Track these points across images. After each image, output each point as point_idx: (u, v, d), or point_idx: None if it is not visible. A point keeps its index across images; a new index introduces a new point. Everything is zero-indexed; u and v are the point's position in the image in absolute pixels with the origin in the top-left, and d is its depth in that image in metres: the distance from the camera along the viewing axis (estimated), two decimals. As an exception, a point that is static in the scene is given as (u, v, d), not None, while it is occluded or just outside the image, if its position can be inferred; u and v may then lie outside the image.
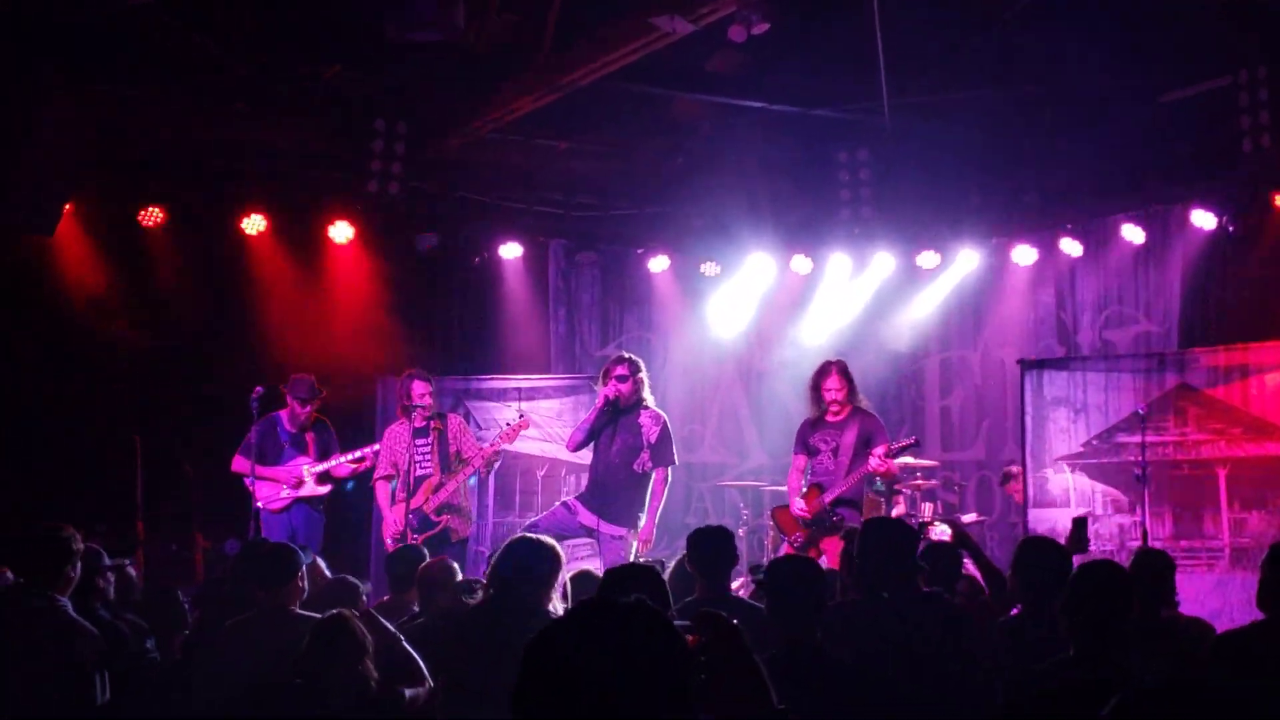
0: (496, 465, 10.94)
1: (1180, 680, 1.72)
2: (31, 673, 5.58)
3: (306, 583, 6.25)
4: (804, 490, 10.01)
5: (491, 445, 10.47)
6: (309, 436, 11.08)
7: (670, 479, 9.90)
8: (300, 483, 10.91)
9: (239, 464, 10.86)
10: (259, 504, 10.69)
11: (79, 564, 5.91)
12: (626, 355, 9.89)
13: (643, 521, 9.56)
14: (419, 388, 10.50)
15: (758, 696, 2.39)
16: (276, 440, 11.01)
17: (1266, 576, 5.37)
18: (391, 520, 10.22)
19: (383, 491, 10.52)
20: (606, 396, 9.60)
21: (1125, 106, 11.82)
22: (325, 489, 11.05)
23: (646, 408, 9.79)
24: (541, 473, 12.27)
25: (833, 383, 10.01)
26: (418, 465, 10.38)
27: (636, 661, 2.09)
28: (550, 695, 2.09)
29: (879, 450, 9.87)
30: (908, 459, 11.93)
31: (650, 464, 9.65)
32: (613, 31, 10.07)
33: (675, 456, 9.91)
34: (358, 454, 11.01)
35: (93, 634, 5.74)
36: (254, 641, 5.73)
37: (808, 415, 10.25)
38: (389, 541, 10.01)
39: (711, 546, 6.19)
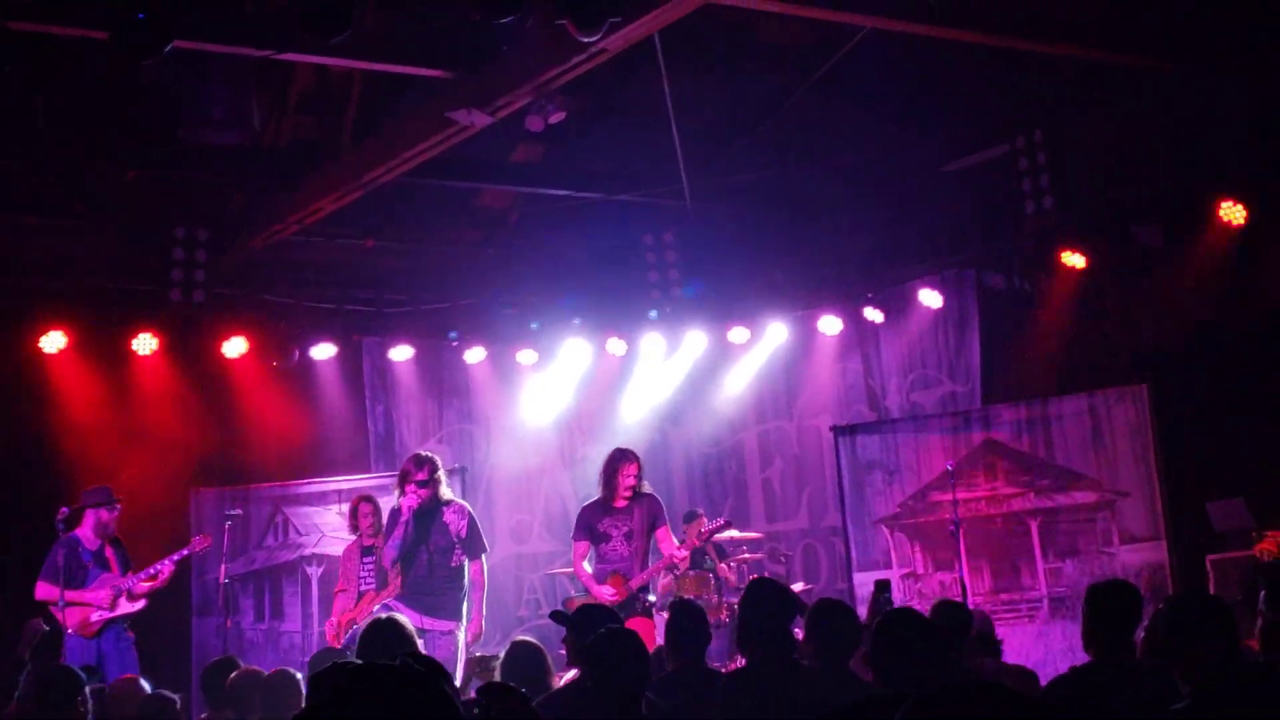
0: None
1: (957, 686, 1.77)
2: None
3: (89, 707, 6.01)
4: (605, 577, 10.02)
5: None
6: (109, 553, 10.69)
7: (486, 567, 9.89)
8: (115, 602, 10.51)
9: (44, 591, 10.33)
10: (69, 630, 10.30)
11: None
12: (425, 456, 9.85)
13: (469, 616, 9.50)
14: (365, 508, 10.93)
15: None
16: (80, 561, 10.56)
17: (1087, 618, 5.53)
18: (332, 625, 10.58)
19: (339, 604, 10.70)
20: (411, 508, 9.53)
21: (912, 177, 12.26)
22: (139, 605, 10.67)
23: (449, 503, 9.77)
24: (337, 585, 12.07)
25: (632, 470, 10.07)
26: (362, 581, 10.65)
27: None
28: None
29: (686, 544, 10.08)
30: (733, 532, 12.10)
31: (464, 558, 9.63)
32: (411, 127, 10.10)
33: (486, 544, 9.94)
34: (155, 569, 10.69)
35: None
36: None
37: (593, 500, 10.27)
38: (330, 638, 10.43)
39: (682, 621, 6.22)
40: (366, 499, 11.08)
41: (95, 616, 10.37)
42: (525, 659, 6.44)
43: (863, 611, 11.82)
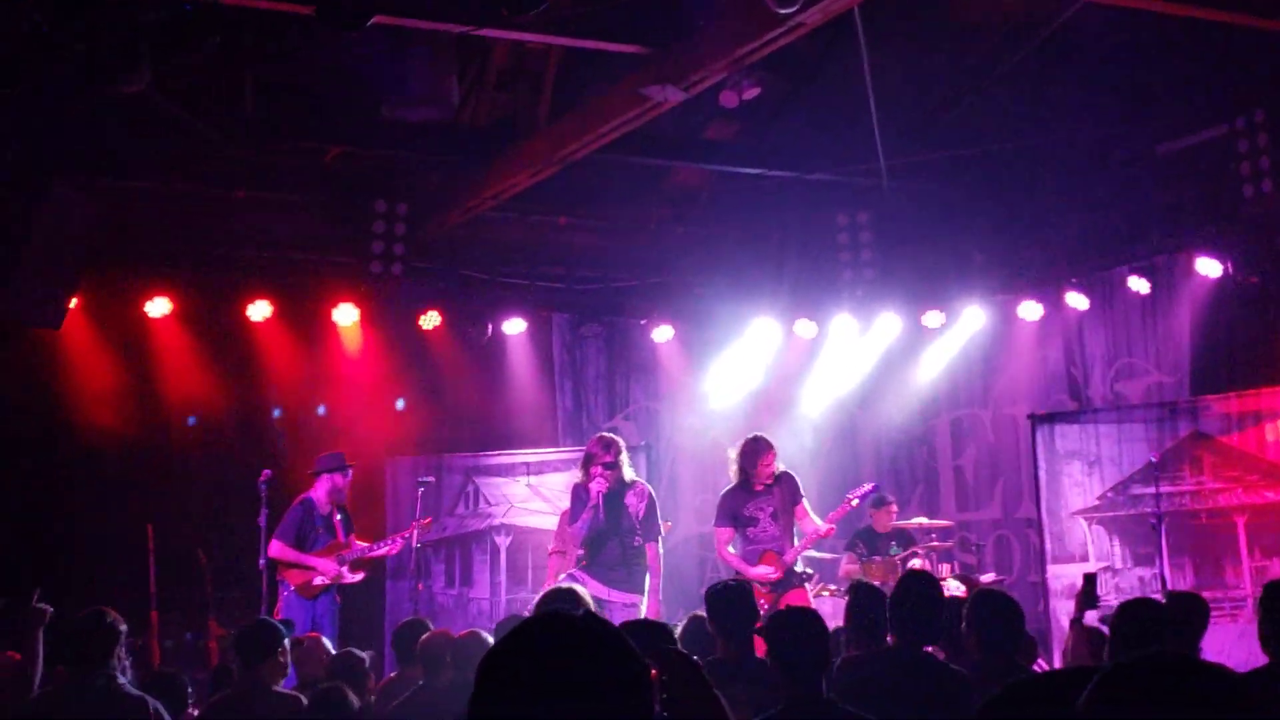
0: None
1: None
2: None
3: (289, 658, 6.20)
4: (759, 556, 10.01)
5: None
6: (336, 520, 11.03)
7: (662, 550, 10.08)
8: (339, 576, 10.82)
9: (277, 549, 10.71)
10: (291, 588, 10.67)
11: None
12: (610, 438, 9.98)
13: (647, 598, 9.63)
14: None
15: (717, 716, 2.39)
16: (312, 524, 10.94)
17: (1263, 619, 5.29)
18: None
19: (554, 565, 10.79)
20: (600, 492, 9.66)
21: (1123, 158, 11.82)
22: (360, 576, 11.00)
23: (632, 484, 9.89)
24: (552, 547, 12.22)
25: (770, 458, 10.11)
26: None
27: (593, 667, 2.06)
28: (506, 705, 2.05)
29: (828, 523, 10.04)
30: (921, 519, 11.91)
31: (641, 540, 9.71)
32: (606, 103, 10.10)
33: (661, 527, 10.09)
34: (382, 547, 11.02)
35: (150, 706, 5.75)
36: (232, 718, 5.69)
37: (731, 486, 10.25)
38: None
39: (729, 604, 6.10)
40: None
41: (318, 581, 10.70)
42: (703, 633, 6.41)
43: (1057, 605, 11.55)
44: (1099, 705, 1.61)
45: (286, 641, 6.36)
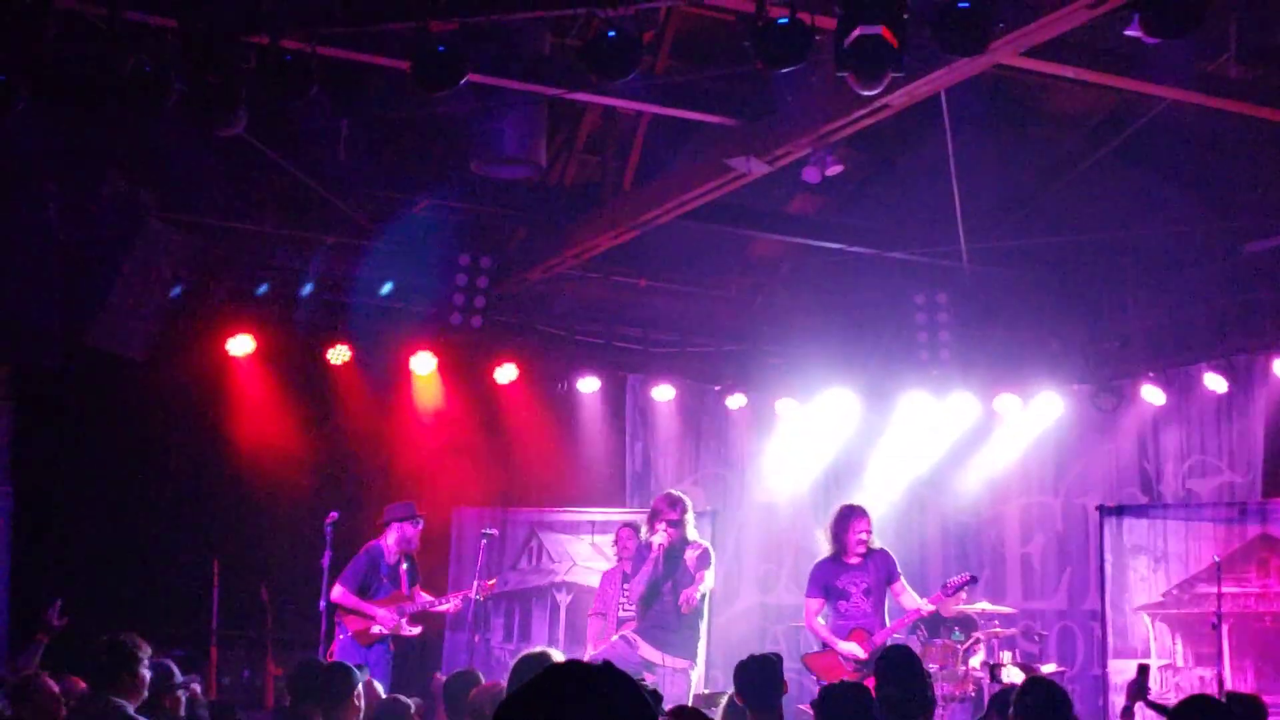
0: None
1: None
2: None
3: (362, 702, 6.28)
4: (849, 633, 9.95)
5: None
6: (402, 570, 11.11)
7: (711, 578, 10.24)
8: (398, 627, 10.91)
9: (340, 594, 10.80)
10: (349, 633, 10.76)
11: (144, 671, 6.05)
12: (677, 496, 10.02)
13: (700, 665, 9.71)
14: (626, 534, 11.23)
15: None
16: (378, 573, 11.02)
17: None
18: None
19: (594, 627, 10.99)
20: (663, 546, 9.70)
21: (1207, 255, 11.76)
22: (418, 630, 11.07)
23: (693, 543, 9.93)
24: (592, 608, 12.26)
25: (863, 526, 10.05)
26: (621, 607, 10.80)
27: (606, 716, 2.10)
28: None
29: (933, 599, 9.89)
30: (984, 605, 11.80)
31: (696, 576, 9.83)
32: (690, 171, 10.25)
33: (711, 576, 10.24)
34: (443, 603, 11.12)
35: None
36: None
37: (825, 557, 10.21)
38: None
39: (757, 674, 6.12)
40: (629, 525, 11.22)
41: (375, 630, 10.78)
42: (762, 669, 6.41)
43: (1116, 700, 11.38)
44: None
45: (360, 685, 6.45)
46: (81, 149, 10.40)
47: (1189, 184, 11.21)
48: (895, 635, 9.97)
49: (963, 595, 11.72)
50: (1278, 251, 11.46)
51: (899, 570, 10.10)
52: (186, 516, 12.21)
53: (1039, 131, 11.11)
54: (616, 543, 11.25)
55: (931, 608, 10.05)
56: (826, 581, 10.10)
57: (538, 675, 2.20)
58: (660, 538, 9.78)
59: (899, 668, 6.06)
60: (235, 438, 12.59)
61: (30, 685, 6.74)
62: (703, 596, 10.10)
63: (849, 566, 10.03)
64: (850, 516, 10.11)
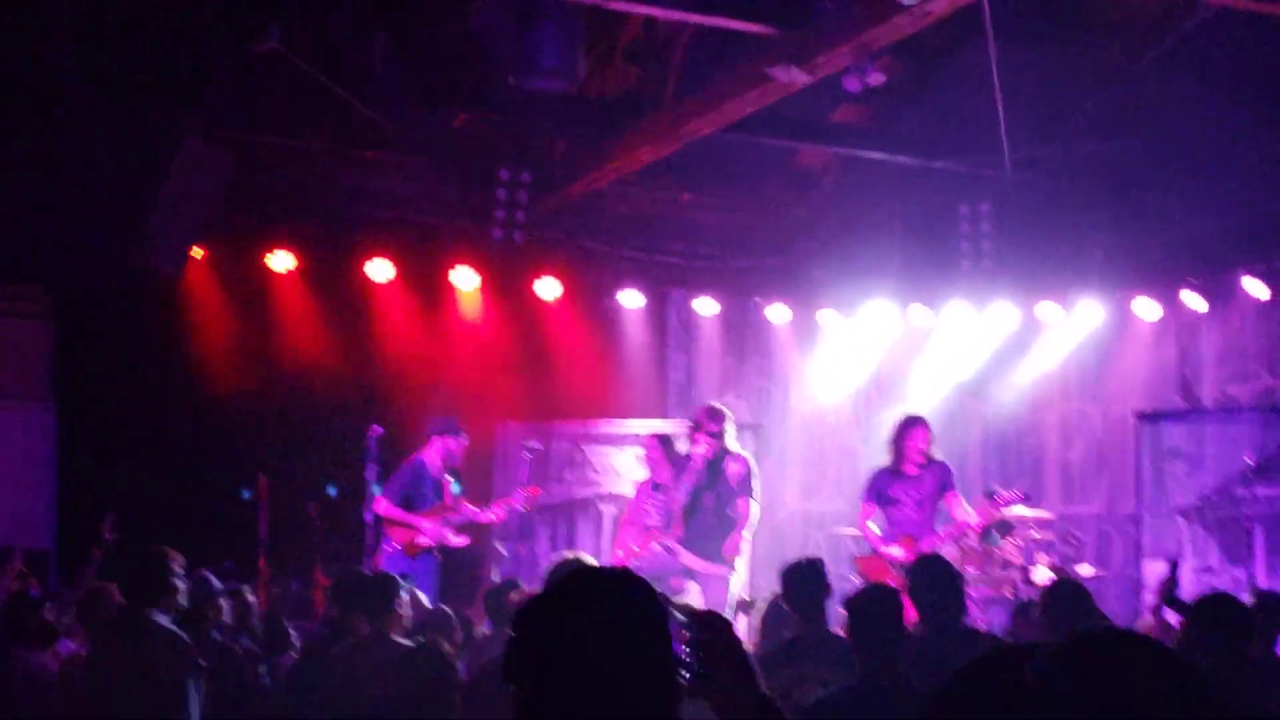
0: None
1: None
2: (120, 682, 5.77)
3: (406, 610, 6.40)
4: (897, 539, 10.04)
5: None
6: (445, 482, 11.25)
7: (755, 511, 10.13)
8: (443, 538, 11.06)
9: (383, 506, 10.95)
10: (396, 545, 10.93)
11: (177, 582, 6.13)
12: (718, 408, 10.08)
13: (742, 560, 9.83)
14: (654, 445, 11.14)
15: (751, 685, 2.50)
16: (421, 486, 11.18)
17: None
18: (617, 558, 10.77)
19: (622, 536, 11.06)
20: (706, 458, 9.77)
21: (1249, 160, 11.64)
22: (465, 540, 11.22)
23: (734, 454, 9.99)
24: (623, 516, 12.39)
25: (921, 436, 10.10)
26: (647, 515, 10.84)
27: (626, 623, 2.19)
28: (539, 660, 2.19)
29: (979, 518, 9.95)
30: (1022, 510, 11.86)
31: (740, 505, 9.86)
32: (731, 82, 10.20)
33: (756, 492, 10.17)
34: (489, 513, 11.26)
35: (184, 644, 5.90)
36: (354, 669, 5.88)
37: (884, 466, 10.27)
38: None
39: (802, 580, 6.19)
40: (657, 436, 11.28)
41: (421, 540, 10.95)
42: (783, 612, 6.52)
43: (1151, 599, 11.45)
44: (1058, 677, 1.67)
45: (404, 594, 6.57)
46: (120, 71, 10.45)
47: (1233, 90, 11.07)
48: (942, 545, 10.07)
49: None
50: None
51: (954, 483, 10.16)
52: (232, 433, 12.36)
53: (1083, 38, 10.98)
54: (645, 454, 11.34)
55: (980, 523, 10.13)
56: (881, 489, 10.22)
57: (558, 579, 2.30)
58: (701, 449, 9.87)
59: (931, 573, 6.14)
60: (278, 355, 12.73)
61: (99, 598, 6.88)
62: (746, 538, 10.17)
63: (905, 476, 10.13)
64: (910, 427, 10.19)
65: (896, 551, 9.93)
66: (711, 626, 2.50)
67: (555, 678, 2.16)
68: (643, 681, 2.18)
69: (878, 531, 10.20)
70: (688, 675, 2.43)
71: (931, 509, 10.06)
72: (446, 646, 5.80)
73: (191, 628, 6.29)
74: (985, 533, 11.40)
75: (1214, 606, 4.93)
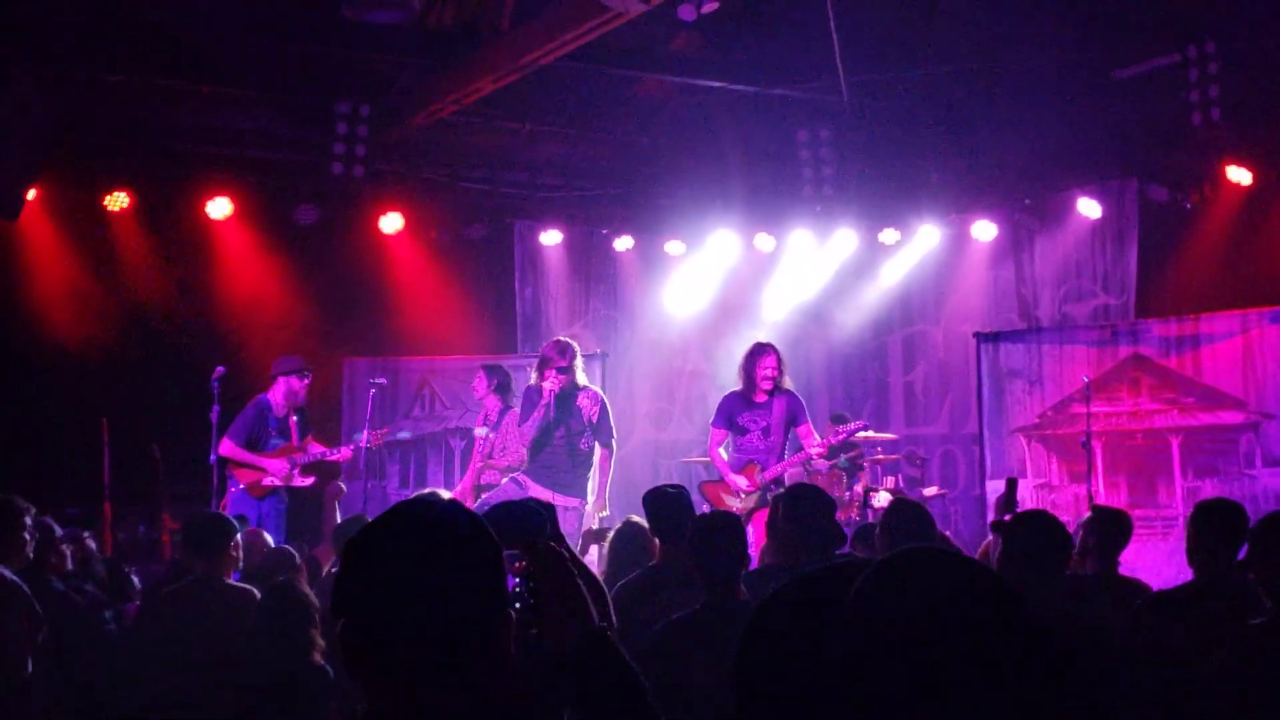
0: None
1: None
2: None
3: (241, 553, 6.34)
4: (742, 466, 10.18)
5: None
6: (292, 421, 11.13)
7: (614, 453, 10.18)
8: (289, 477, 10.95)
9: (227, 448, 10.81)
10: (241, 486, 10.81)
11: (24, 535, 5.99)
12: (566, 342, 10.08)
13: (593, 496, 9.83)
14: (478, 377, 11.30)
15: (581, 615, 2.52)
16: (265, 425, 11.03)
17: (1190, 535, 5.53)
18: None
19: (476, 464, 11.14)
20: (552, 392, 9.77)
21: (1078, 83, 11.95)
22: (310, 480, 11.12)
23: (584, 388, 10.02)
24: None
25: (769, 364, 10.14)
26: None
27: (450, 552, 2.19)
28: (357, 583, 2.20)
29: (822, 442, 10.12)
30: (869, 433, 12.11)
31: (594, 442, 9.91)
32: (567, 11, 10.14)
33: (614, 431, 10.19)
34: (334, 453, 11.19)
35: (23, 595, 5.76)
36: (184, 610, 5.83)
37: (734, 391, 10.38)
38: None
39: (670, 507, 6.11)
40: (485, 368, 11.42)
41: (267, 481, 10.83)
42: (634, 535, 6.58)
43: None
44: (868, 594, 1.72)
45: (239, 536, 6.50)
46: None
47: (1060, 13, 11.34)
48: (788, 471, 10.22)
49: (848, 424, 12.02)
50: (1145, 78, 11.67)
51: (805, 415, 10.26)
52: (71, 378, 12.06)
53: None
54: (474, 386, 11.37)
55: (822, 450, 10.28)
56: (731, 414, 10.29)
57: (391, 509, 2.30)
58: (549, 384, 9.88)
59: (794, 501, 6.08)
60: (117, 296, 12.44)
61: None
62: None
63: (754, 404, 10.21)
64: (757, 354, 10.23)
65: (741, 481, 10.06)
66: (541, 556, 2.50)
67: (377, 609, 2.17)
68: (468, 613, 2.18)
69: (726, 458, 10.33)
70: (517, 606, 2.43)
71: (779, 437, 10.16)
72: (307, 589, 5.74)
73: (32, 576, 6.14)
74: (832, 455, 11.63)
75: (1027, 523, 5.10)
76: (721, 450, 10.33)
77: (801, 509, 5.80)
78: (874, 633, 1.66)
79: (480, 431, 11.07)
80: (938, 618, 1.65)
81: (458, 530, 2.23)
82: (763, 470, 10.02)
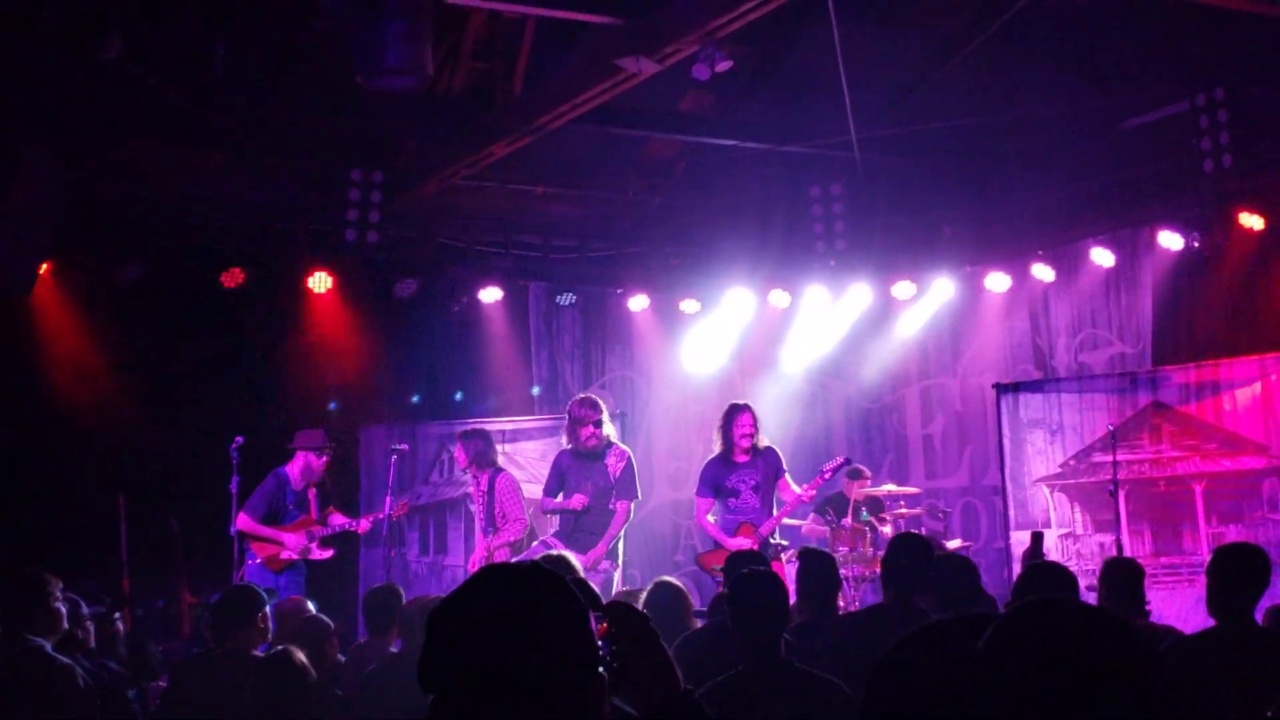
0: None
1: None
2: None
3: (270, 624, 6.28)
4: (736, 528, 10.18)
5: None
6: (310, 494, 11.11)
7: (633, 513, 10.22)
8: (306, 551, 10.92)
9: (244, 522, 10.80)
10: (258, 560, 10.77)
11: (57, 606, 5.94)
12: (593, 398, 10.13)
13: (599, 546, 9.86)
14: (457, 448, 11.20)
15: (665, 679, 2.48)
16: (283, 499, 11.04)
17: (1210, 581, 5.49)
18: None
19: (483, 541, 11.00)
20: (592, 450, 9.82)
21: (1088, 132, 11.99)
22: (328, 554, 11.09)
23: (612, 446, 10.02)
24: (529, 512, 12.37)
25: (746, 422, 10.25)
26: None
27: (535, 616, 2.13)
28: (451, 655, 2.13)
29: (815, 480, 10.25)
30: (890, 486, 12.09)
31: (614, 501, 9.90)
32: (580, 74, 10.21)
33: (639, 491, 10.26)
34: (353, 524, 11.14)
35: (82, 677, 5.72)
36: (208, 684, 5.76)
37: (714, 456, 10.41)
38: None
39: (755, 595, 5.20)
40: (462, 434, 11.27)
41: (284, 555, 10.79)
42: (667, 599, 6.54)
43: (1019, 569, 11.74)
44: (998, 646, 1.73)
45: (268, 608, 6.44)
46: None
47: (1067, 64, 11.39)
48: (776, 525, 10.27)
49: (867, 479, 11.98)
50: (1154, 127, 11.71)
51: (784, 467, 10.36)
52: (87, 452, 12.03)
53: (924, 20, 11.19)
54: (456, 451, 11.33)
55: (810, 495, 10.33)
56: (716, 480, 10.32)
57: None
58: (594, 443, 9.94)
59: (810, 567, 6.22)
60: (133, 369, 12.43)
61: None
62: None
63: (737, 465, 10.26)
64: (734, 414, 10.33)
65: (743, 542, 10.05)
66: (622, 617, 2.45)
67: (472, 680, 2.10)
68: (564, 679, 2.14)
69: (715, 522, 10.36)
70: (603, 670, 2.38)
71: (768, 494, 10.25)
72: (300, 657, 5.59)
73: (62, 653, 6.09)
74: (856, 511, 11.59)
75: (1038, 575, 5.09)
76: (710, 517, 10.35)
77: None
78: (1012, 682, 1.72)
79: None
80: (1076, 668, 1.71)
81: (547, 595, 2.18)
82: (758, 529, 10.07)
